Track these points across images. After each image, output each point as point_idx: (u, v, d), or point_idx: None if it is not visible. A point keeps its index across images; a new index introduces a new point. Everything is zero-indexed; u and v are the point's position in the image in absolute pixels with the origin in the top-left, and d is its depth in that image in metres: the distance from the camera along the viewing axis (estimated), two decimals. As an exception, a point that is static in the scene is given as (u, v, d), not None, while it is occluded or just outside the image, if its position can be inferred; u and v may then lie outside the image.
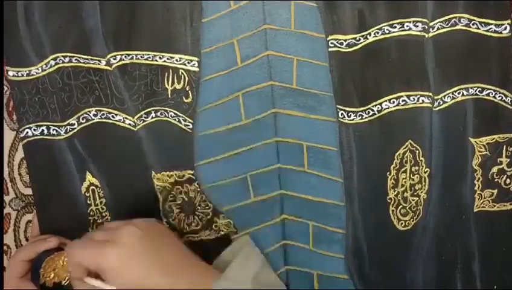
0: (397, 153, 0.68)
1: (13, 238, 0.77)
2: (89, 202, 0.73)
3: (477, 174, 0.70)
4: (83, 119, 0.70)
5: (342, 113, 0.67)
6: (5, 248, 0.76)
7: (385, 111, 0.67)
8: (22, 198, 0.76)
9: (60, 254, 0.67)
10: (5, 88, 0.73)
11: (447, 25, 0.66)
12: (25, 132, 0.72)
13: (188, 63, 0.68)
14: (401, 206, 0.69)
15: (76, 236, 0.70)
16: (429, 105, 0.67)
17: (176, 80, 0.68)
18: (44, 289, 0.67)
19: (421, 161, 0.68)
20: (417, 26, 0.65)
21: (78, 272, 0.57)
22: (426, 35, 0.66)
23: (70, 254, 0.57)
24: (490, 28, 0.66)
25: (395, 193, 0.69)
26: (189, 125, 0.68)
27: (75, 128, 0.71)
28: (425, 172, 0.69)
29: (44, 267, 0.67)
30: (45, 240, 0.68)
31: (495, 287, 0.71)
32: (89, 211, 0.73)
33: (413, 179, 0.69)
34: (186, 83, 0.68)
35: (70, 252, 0.57)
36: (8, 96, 0.73)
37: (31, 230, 0.75)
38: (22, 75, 0.70)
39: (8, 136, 0.74)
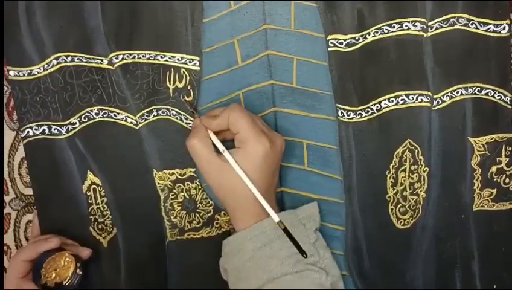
0: (396, 152, 0.69)
1: (13, 238, 0.76)
2: (90, 201, 0.73)
3: (476, 174, 0.70)
4: (84, 118, 0.70)
5: (341, 112, 0.68)
6: (5, 248, 0.76)
7: (384, 110, 0.68)
8: (22, 198, 0.76)
9: (61, 254, 0.67)
10: (5, 88, 0.73)
11: (446, 24, 0.66)
12: (26, 132, 0.72)
13: (189, 62, 0.68)
14: (400, 204, 0.69)
15: (76, 236, 0.71)
16: (428, 104, 0.67)
17: (177, 79, 0.69)
18: (45, 289, 0.66)
19: (420, 159, 0.69)
20: (416, 26, 0.66)
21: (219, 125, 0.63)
22: (425, 35, 0.66)
23: (233, 106, 0.62)
24: (489, 28, 0.66)
25: (394, 191, 0.69)
26: (190, 124, 0.69)
27: (77, 127, 0.71)
28: (424, 171, 0.69)
29: (46, 267, 0.67)
30: (46, 240, 0.68)
31: (494, 286, 0.71)
32: (90, 210, 0.73)
33: (412, 178, 0.69)
34: (187, 82, 0.68)
35: (234, 106, 0.63)
36: (8, 96, 0.73)
37: (31, 230, 0.75)
38: (23, 75, 0.70)
39: (8, 136, 0.74)
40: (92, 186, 0.72)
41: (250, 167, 0.61)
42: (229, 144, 0.64)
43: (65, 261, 0.67)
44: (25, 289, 0.67)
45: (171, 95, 0.69)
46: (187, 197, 0.70)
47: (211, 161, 0.62)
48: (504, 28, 0.66)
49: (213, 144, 0.62)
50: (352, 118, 0.68)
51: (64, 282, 0.66)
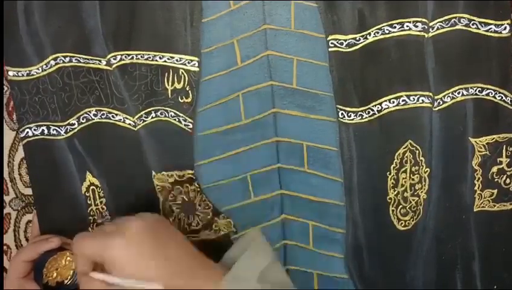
0: (397, 153, 0.68)
1: (13, 238, 0.77)
2: (89, 202, 0.73)
3: (477, 174, 0.70)
4: (83, 119, 0.70)
5: (342, 113, 0.67)
6: (5, 248, 0.76)
7: (385, 111, 0.67)
8: (22, 198, 0.76)
9: (62, 253, 0.67)
10: (5, 88, 0.73)
11: (447, 25, 0.66)
12: (25, 132, 0.71)
13: (188, 63, 0.68)
14: (401, 206, 0.69)
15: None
16: (429, 105, 0.67)
17: (176, 80, 0.68)
18: (47, 288, 0.67)
19: (421, 160, 0.68)
20: (417, 26, 0.66)
21: (84, 265, 0.57)
22: (426, 35, 0.66)
23: (78, 245, 0.56)
24: (490, 28, 0.66)
25: (395, 192, 0.69)
26: (189, 125, 0.68)
27: (75, 128, 0.71)
28: (425, 172, 0.69)
29: (47, 267, 0.67)
30: (47, 241, 0.68)
31: (495, 287, 0.72)
32: (89, 211, 0.73)
33: (413, 179, 0.69)
34: (186, 82, 0.68)
35: (78, 242, 0.56)
36: (8, 96, 0.73)
37: (31, 230, 0.75)
38: (22, 75, 0.70)
39: (8, 136, 0.74)
40: (91, 187, 0.72)
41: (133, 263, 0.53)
42: None
43: (66, 260, 0.67)
44: (27, 289, 0.67)
45: (170, 96, 0.68)
46: (186, 199, 0.70)
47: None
48: (505, 28, 0.66)
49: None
50: (352, 119, 0.68)
51: (66, 281, 0.67)
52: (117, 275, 0.54)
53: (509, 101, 0.68)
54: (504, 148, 0.69)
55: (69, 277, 0.67)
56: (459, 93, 0.68)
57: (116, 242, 0.53)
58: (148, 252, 0.54)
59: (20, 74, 0.70)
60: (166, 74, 0.68)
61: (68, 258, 0.67)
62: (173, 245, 0.57)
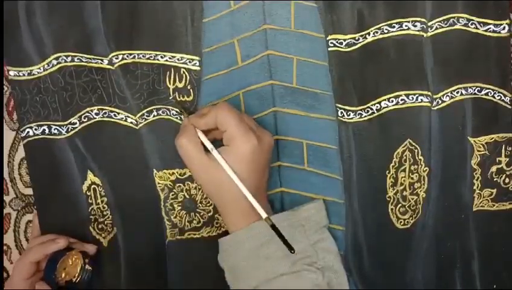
0: (396, 152, 0.69)
1: (13, 238, 0.77)
2: (90, 201, 0.73)
3: (476, 174, 0.70)
4: (84, 118, 0.70)
5: (341, 112, 0.68)
6: (5, 248, 0.76)
7: (384, 110, 0.68)
8: (22, 198, 0.76)
9: (70, 253, 0.68)
10: (5, 88, 0.73)
11: (446, 24, 0.66)
12: (26, 132, 0.72)
13: (189, 62, 0.68)
14: (400, 204, 0.69)
15: (76, 236, 0.71)
16: (428, 104, 0.67)
17: (177, 79, 0.69)
18: (58, 288, 0.67)
19: (420, 159, 0.69)
20: (416, 25, 0.66)
21: (206, 124, 0.63)
22: (425, 35, 0.66)
23: (221, 105, 0.62)
24: (489, 28, 0.66)
25: (394, 191, 0.69)
26: (190, 124, 0.69)
27: (77, 127, 0.71)
28: (424, 171, 0.69)
29: (58, 269, 0.67)
30: (53, 241, 0.68)
31: (494, 286, 0.71)
32: (90, 210, 0.73)
33: (412, 178, 0.69)
34: (187, 81, 0.69)
35: (222, 104, 0.62)
36: (8, 96, 0.73)
37: (31, 230, 0.75)
38: (23, 75, 0.70)
39: (8, 136, 0.74)
40: (92, 186, 0.72)
41: (238, 165, 0.61)
42: (220, 143, 0.63)
43: (73, 259, 0.68)
44: (38, 289, 0.67)
45: (171, 95, 0.69)
46: (187, 196, 0.70)
47: (199, 159, 0.62)
48: (504, 28, 0.66)
49: (202, 143, 0.62)
50: (352, 118, 0.68)
51: (74, 279, 0.67)
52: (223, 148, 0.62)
53: (508, 101, 0.68)
54: (503, 147, 0.69)
55: (77, 275, 0.67)
56: (458, 92, 0.68)
57: (249, 135, 0.61)
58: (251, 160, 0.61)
59: (21, 73, 0.70)
60: (167, 73, 0.69)
61: (74, 256, 0.68)
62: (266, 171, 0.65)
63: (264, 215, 0.61)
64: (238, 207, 0.62)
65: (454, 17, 0.66)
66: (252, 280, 0.61)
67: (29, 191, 0.75)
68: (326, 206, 0.68)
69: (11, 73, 0.70)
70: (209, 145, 0.62)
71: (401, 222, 0.70)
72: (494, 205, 0.70)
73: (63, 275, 0.67)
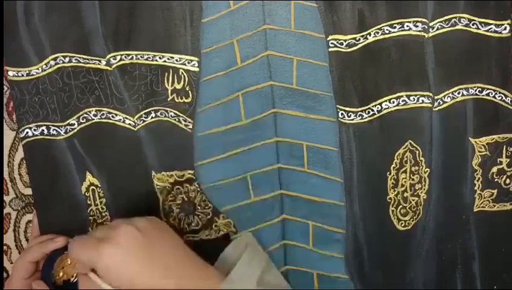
0: (397, 153, 0.68)
1: (13, 238, 0.77)
2: (89, 202, 0.73)
3: (477, 174, 0.70)
4: (82, 119, 0.70)
5: (342, 113, 0.67)
6: (5, 248, 0.76)
7: (385, 111, 0.67)
8: (22, 198, 0.76)
9: (68, 252, 0.68)
10: (5, 88, 0.73)
11: (447, 25, 0.66)
12: (24, 132, 0.71)
13: (188, 63, 0.68)
14: (401, 206, 0.69)
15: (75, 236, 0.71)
16: (429, 105, 0.67)
17: (176, 80, 0.68)
18: (55, 288, 0.67)
19: (421, 160, 0.68)
20: (417, 26, 0.66)
21: (83, 268, 0.57)
22: (426, 35, 0.66)
23: (73, 251, 0.57)
24: (490, 28, 0.66)
25: (395, 192, 0.69)
26: (189, 125, 0.68)
27: (75, 128, 0.71)
28: (425, 172, 0.69)
29: (55, 268, 0.67)
30: (52, 240, 0.68)
31: (495, 287, 0.72)
32: (89, 211, 0.73)
33: (413, 179, 0.69)
34: (186, 83, 0.68)
35: (73, 248, 0.57)
36: (8, 96, 0.73)
37: (31, 230, 0.75)
38: (22, 75, 0.70)
39: (8, 136, 0.74)
40: (91, 188, 0.72)
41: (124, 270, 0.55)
42: None
43: (71, 259, 0.67)
44: (36, 289, 0.67)
45: (170, 96, 0.68)
46: (186, 199, 0.70)
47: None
48: (505, 28, 0.66)
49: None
50: (352, 119, 0.68)
51: (72, 279, 0.67)
52: (114, 280, 0.54)
53: (509, 102, 0.67)
54: (504, 148, 0.69)
55: (74, 275, 0.67)
56: (459, 93, 0.68)
57: (105, 251, 0.54)
58: (138, 258, 0.54)
59: (20, 74, 0.70)
60: (166, 74, 0.68)
61: None
62: (167, 250, 0.57)
63: None
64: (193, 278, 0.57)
65: (455, 18, 0.65)
66: None
67: (29, 191, 0.75)
68: (324, 209, 0.68)
69: (10, 73, 0.70)
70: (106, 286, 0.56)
71: (402, 223, 0.70)
72: (494, 206, 0.70)
73: (61, 274, 0.67)
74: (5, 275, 0.77)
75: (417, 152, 0.68)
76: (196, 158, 0.69)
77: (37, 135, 0.71)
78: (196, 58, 0.68)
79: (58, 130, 0.71)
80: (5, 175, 0.75)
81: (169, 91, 0.68)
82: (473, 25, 0.66)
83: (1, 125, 0.74)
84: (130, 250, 0.55)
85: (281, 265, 0.71)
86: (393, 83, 0.67)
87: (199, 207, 0.71)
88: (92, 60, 0.69)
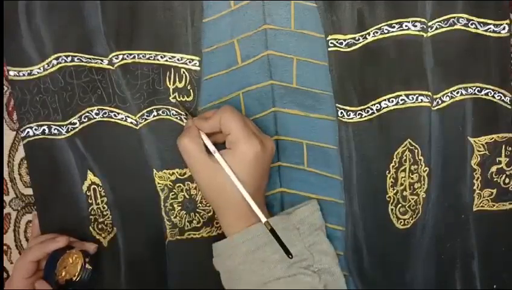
0: (396, 152, 0.69)
1: (13, 238, 0.76)
2: (90, 201, 0.73)
3: (476, 174, 0.70)
4: (84, 118, 0.70)
5: (341, 112, 0.68)
6: (5, 248, 0.76)
7: (384, 110, 0.68)
8: (22, 198, 0.76)
9: (70, 252, 0.68)
10: (5, 88, 0.73)
11: (446, 24, 0.66)
12: (26, 132, 0.72)
13: (189, 62, 0.68)
14: (400, 205, 0.69)
15: (76, 236, 0.71)
16: (428, 104, 0.67)
17: (177, 79, 0.69)
18: (58, 287, 0.67)
19: (420, 159, 0.69)
20: (416, 26, 0.66)
21: (210, 127, 0.63)
22: (425, 35, 0.66)
23: (225, 108, 0.62)
24: (489, 28, 0.66)
25: (394, 191, 0.69)
26: (190, 124, 0.69)
27: (77, 127, 0.71)
28: (424, 171, 0.69)
29: (57, 268, 0.67)
30: (54, 240, 0.68)
31: (494, 286, 0.71)
32: (90, 210, 0.73)
33: (412, 178, 0.69)
34: (187, 82, 0.69)
35: (226, 107, 0.63)
36: (8, 96, 0.73)
37: (31, 230, 0.75)
38: (23, 75, 0.70)
39: (8, 136, 0.74)
40: (92, 186, 0.72)
41: (240, 168, 0.61)
42: (222, 146, 0.63)
43: (73, 258, 0.67)
44: (38, 289, 0.67)
45: (171, 95, 0.69)
46: (187, 197, 0.71)
47: (201, 160, 0.62)
48: (504, 28, 0.66)
49: (205, 145, 0.62)
50: (352, 118, 0.68)
51: (74, 278, 0.67)
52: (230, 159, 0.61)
53: (508, 101, 0.68)
54: (503, 147, 0.69)
55: (77, 274, 0.67)
56: (458, 92, 0.68)
57: (251, 139, 0.61)
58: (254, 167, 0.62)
59: (21, 73, 0.70)
60: (167, 73, 0.69)
61: (75, 255, 0.67)
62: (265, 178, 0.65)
63: (263, 219, 0.61)
64: (236, 210, 0.63)
65: (454, 17, 0.66)
66: (248, 283, 0.61)
67: (29, 191, 0.75)
68: (323, 207, 0.68)
69: (11, 73, 0.70)
70: (212, 148, 0.62)
71: (401, 222, 0.70)
72: (494, 205, 0.70)
73: (63, 274, 0.67)
74: (5, 275, 0.76)
75: (416, 151, 0.69)
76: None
77: (38, 135, 0.72)
78: (197, 58, 0.68)
79: (60, 129, 0.71)
80: (5, 175, 0.75)
81: (171, 90, 0.69)
82: (471, 24, 0.66)
83: (1, 125, 0.74)
84: (258, 160, 0.62)
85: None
86: (392, 82, 0.67)
87: (200, 205, 0.71)
88: (94, 59, 0.69)
